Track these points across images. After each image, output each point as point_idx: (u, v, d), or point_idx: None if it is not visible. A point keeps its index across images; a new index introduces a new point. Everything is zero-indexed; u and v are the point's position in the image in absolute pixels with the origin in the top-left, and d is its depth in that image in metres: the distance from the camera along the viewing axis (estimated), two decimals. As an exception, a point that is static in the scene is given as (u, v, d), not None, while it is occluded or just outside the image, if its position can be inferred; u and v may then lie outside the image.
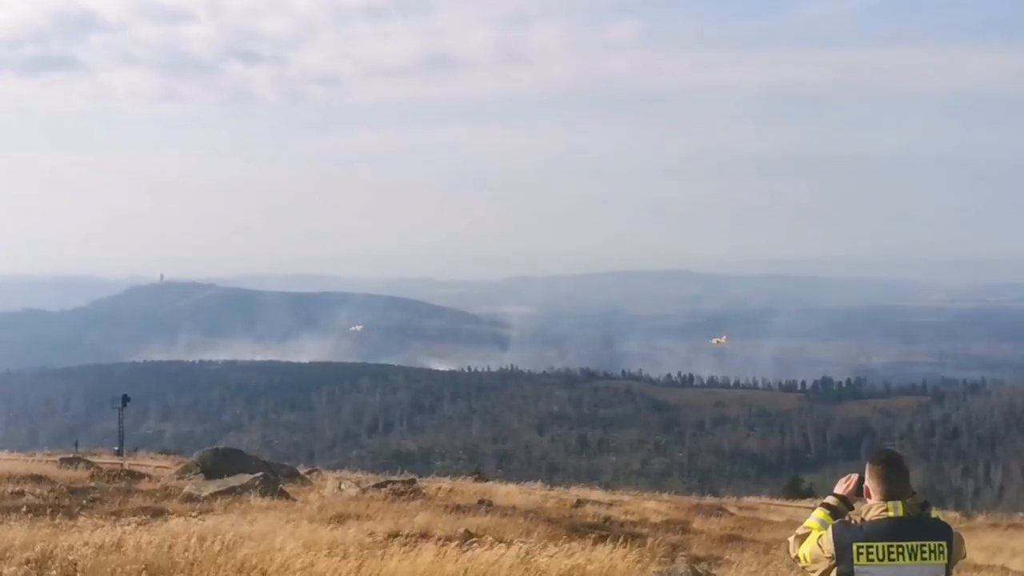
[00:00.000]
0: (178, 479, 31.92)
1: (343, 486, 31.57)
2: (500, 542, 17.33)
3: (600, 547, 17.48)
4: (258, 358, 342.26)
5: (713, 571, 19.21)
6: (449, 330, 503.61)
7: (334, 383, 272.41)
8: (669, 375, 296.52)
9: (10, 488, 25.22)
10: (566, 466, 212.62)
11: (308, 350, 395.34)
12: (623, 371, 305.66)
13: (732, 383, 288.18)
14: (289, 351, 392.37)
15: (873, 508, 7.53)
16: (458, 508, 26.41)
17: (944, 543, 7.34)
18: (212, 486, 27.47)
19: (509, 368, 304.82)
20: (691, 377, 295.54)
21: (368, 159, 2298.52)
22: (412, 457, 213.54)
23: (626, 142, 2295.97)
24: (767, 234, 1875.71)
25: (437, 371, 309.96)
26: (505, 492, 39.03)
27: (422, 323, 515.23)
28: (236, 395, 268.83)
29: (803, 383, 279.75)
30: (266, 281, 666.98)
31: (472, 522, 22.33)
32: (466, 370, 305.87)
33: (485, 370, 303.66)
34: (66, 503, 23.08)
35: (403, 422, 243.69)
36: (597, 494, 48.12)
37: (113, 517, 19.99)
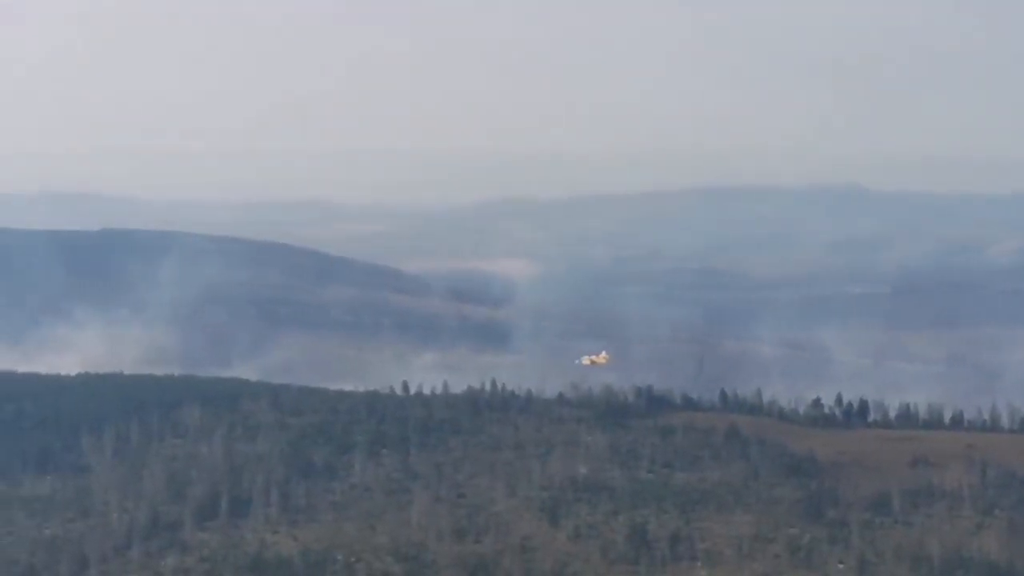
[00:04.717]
0: None
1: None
2: None
3: None
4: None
5: None
6: (367, 307, 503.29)
7: (130, 418, 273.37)
8: (819, 401, 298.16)
9: None
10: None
11: (79, 349, 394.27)
12: (725, 392, 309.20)
13: (949, 420, 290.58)
14: (38, 352, 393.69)
15: None
16: None
17: None
18: None
19: (489, 388, 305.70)
20: (865, 406, 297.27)
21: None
22: (289, 567, 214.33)
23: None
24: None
25: (340, 393, 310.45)
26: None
27: (312, 293, 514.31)
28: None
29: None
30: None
31: None
32: (399, 392, 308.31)
33: (438, 391, 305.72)
34: None
35: (270, 498, 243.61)
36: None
37: None
